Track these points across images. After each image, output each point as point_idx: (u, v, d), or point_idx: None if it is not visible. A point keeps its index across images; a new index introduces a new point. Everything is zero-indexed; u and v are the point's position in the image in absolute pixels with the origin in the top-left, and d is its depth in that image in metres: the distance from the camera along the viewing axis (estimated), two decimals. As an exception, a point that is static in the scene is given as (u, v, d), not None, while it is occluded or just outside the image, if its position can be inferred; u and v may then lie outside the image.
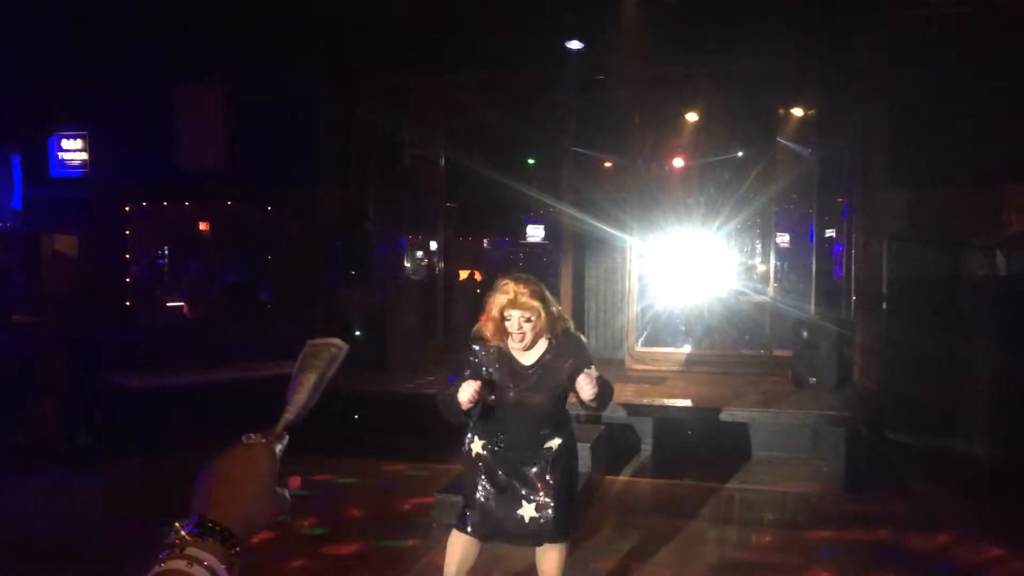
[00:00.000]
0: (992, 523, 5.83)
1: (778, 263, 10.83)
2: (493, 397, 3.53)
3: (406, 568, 4.97)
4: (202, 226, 13.14)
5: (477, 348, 3.58)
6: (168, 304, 12.32)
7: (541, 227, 17.29)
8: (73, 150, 11.15)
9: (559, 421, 3.62)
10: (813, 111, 9.82)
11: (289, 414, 1.23)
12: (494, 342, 3.53)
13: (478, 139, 10.65)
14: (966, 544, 5.50)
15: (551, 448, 3.57)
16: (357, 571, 4.97)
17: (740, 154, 11.55)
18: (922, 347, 8.52)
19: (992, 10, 7.76)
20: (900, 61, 8.10)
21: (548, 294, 3.54)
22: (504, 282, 3.50)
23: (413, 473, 7.02)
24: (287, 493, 1.17)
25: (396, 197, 10.18)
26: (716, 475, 6.93)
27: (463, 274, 13.57)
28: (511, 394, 3.50)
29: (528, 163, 12.27)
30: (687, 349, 10.28)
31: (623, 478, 7.03)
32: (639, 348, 9.92)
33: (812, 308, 9.33)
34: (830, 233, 10.27)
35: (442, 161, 10.72)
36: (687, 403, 7.57)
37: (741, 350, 10.18)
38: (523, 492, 3.53)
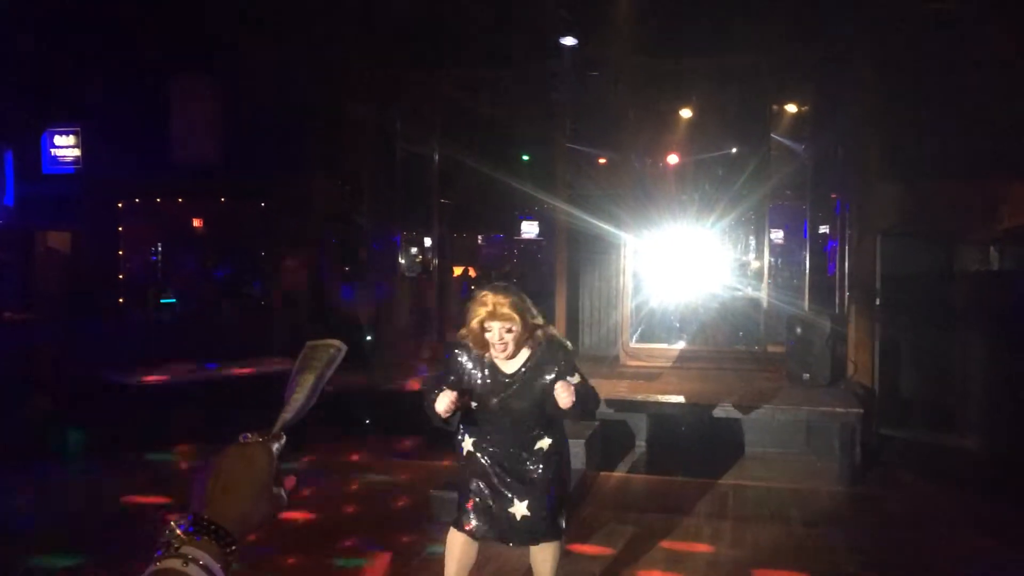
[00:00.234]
0: (985, 518, 5.86)
1: (772, 259, 10.83)
2: (475, 404, 3.54)
3: (403, 564, 4.97)
4: (195, 222, 13.10)
5: (459, 354, 3.58)
6: (161, 300, 12.29)
7: (535, 223, 17.32)
8: (66, 146, 11.12)
9: (549, 422, 3.61)
10: (807, 107, 9.82)
11: (287, 414, 1.23)
12: (477, 351, 3.53)
13: (472, 135, 10.63)
14: (959, 538, 5.52)
15: (542, 449, 3.58)
16: (353, 569, 4.96)
17: (734, 150, 11.55)
18: (915, 342, 8.56)
19: (984, 4, 7.77)
20: (893, 56, 8.12)
21: (528, 302, 3.52)
22: (483, 293, 3.47)
23: (408, 470, 7.01)
24: (284, 493, 1.16)
25: (390, 193, 10.17)
26: (710, 471, 6.95)
27: (457, 270, 13.56)
28: (494, 400, 3.51)
29: (523, 159, 12.27)
30: (681, 345, 10.29)
31: (617, 474, 7.03)
32: (633, 344, 9.93)
33: (806, 304, 9.34)
34: (824, 229, 10.28)
35: (436, 157, 10.69)
36: (681, 399, 7.58)
37: (735, 346, 10.19)
38: (515, 491, 3.54)
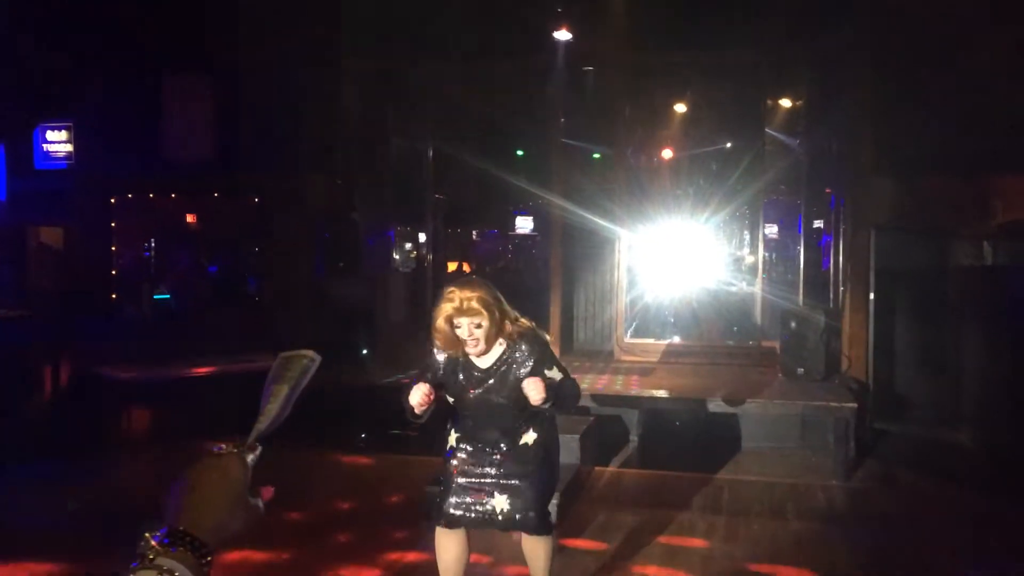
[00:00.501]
0: (980, 513, 5.87)
1: (766, 254, 10.84)
2: (452, 400, 3.52)
3: (397, 560, 4.96)
4: (189, 218, 13.07)
5: (436, 351, 3.54)
6: (155, 297, 12.26)
7: (530, 218, 17.31)
8: (58, 142, 11.08)
9: (533, 416, 3.56)
10: (801, 102, 9.82)
11: (261, 425, 1.24)
12: (447, 351, 3.48)
13: (467, 130, 10.62)
14: (953, 533, 5.54)
15: (527, 444, 3.56)
16: (346, 565, 4.95)
17: (729, 145, 11.56)
18: (910, 337, 8.58)
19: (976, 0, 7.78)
20: (888, 51, 8.12)
21: (498, 295, 3.45)
22: (450, 289, 3.42)
23: (402, 465, 7.01)
24: (260, 503, 1.17)
25: (384, 188, 10.15)
26: (704, 466, 6.95)
27: (451, 266, 13.55)
28: (471, 396, 3.48)
29: (517, 154, 12.25)
30: (676, 340, 10.29)
31: (611, 469, 7.03)
32: (628, 339, 9.93)
33: (800, 299, 9.35)
34: (818, 224, 10.28)
35: (430, 152, 10.67)
36: (676, 394, 7.59)
37: (729, 341, 10.20)
38: (495, 486, 3.52)
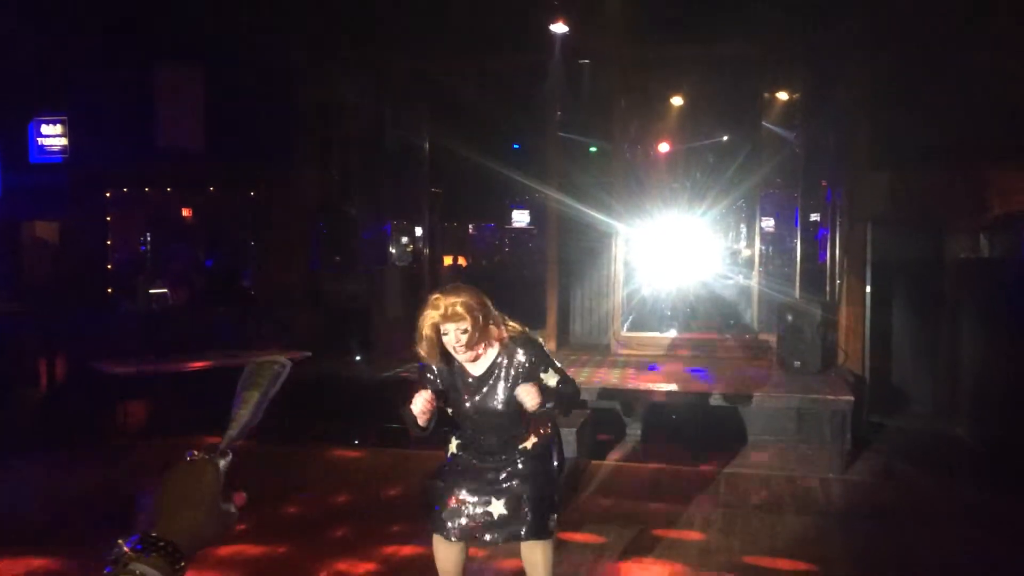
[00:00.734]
0: (975, 506, 5.89)
1: (763, 247, 10.85)
2: (451, 410, 3.48)
3: (393, 553, 4.97)
4: (184, 212, 13.03)
5: (430, 363, 3.47)
6: (151, 291, 12.22)
7: (527, 212, 17.28)
8: (52, 135, 11.04)
9: (533, 420, 3.51)
10: (798, 94, 9.82)
11: (232, 431, 1.25)
12: (430, 359, 3.40)
13: (463, 123, 10.58)
14: (949, 526, 5.55)
15: (526, 448, 3.53)
16: (342, 558, 4.95)
17: (725, 138, 11.56)
18: (906, 330, 8.60)
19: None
20: (885, 44, 8.11)
21: (484, 299, 3.36)
22: (434, 296, 3.33)
23: (398, 458, 7.01)
24: (233, 508, 1.18)
25: (379, 181, 10.12)
26: (701, 459, 6.96)
27: (448, 260, 13.53)
28: (467, 404, 3.44)
29: (513, 147, 12.22)
30: (672, 334, 10.30)
31: (609, 462, 7.04)
32: (625, 333, 9.94)
33: (797, 292, 9.36)
34: (815, 217, 10.29)
35: (426, 145, 10.63)
36: (672, 387, 7.59)
37: (726, 334, 10.21)
38: (493, 491, 3.48)
